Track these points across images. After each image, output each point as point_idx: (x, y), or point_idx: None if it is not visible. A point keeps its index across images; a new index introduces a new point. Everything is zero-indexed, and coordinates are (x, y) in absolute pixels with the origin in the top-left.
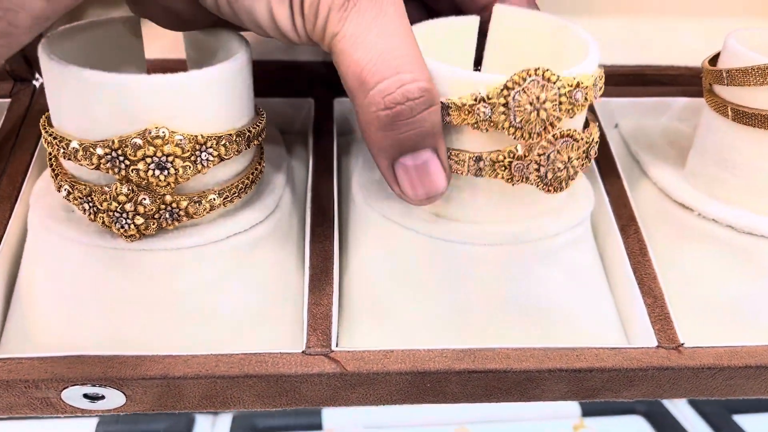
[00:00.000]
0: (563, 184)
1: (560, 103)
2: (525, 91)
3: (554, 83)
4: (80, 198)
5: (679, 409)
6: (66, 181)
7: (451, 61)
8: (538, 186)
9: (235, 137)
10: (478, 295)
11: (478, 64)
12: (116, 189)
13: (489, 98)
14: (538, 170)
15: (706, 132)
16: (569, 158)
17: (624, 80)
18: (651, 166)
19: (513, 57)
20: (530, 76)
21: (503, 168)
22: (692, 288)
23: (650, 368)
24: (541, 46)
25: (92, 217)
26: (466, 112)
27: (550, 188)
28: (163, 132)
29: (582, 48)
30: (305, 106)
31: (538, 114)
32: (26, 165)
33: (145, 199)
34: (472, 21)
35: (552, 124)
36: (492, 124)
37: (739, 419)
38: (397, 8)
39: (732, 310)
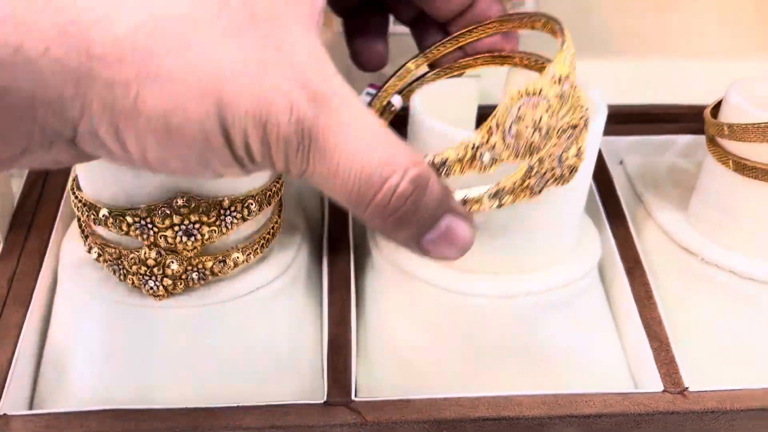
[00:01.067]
0: (573, 172)
1: (554, 106)
2: (521, 119)
3: (540, 93)
4: (110, 260)
5: None
6: (96, 243)
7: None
8: (558, 184)
9: (257, 197)
10: (491, 344)
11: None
12: (145, 253)
13: (484, 143)
14: (553, 170)
15: (708, 178)
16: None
17: (629, 119)
18: (655, 209)
19: None
20: (518, 101)
21: (523, 190)
22: (696, 332)
23: (656, 413)
24: None
25: (122, 278)
26: (468, 164)
27: (565, 181)
28: (189, 200)
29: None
30: None
31: (540, 132)
32: (53, 217)
33: (173, 263)
34: (472, 83)
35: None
36: (498, 161)
37: None
38: (351, 111)
39: (734, 353)
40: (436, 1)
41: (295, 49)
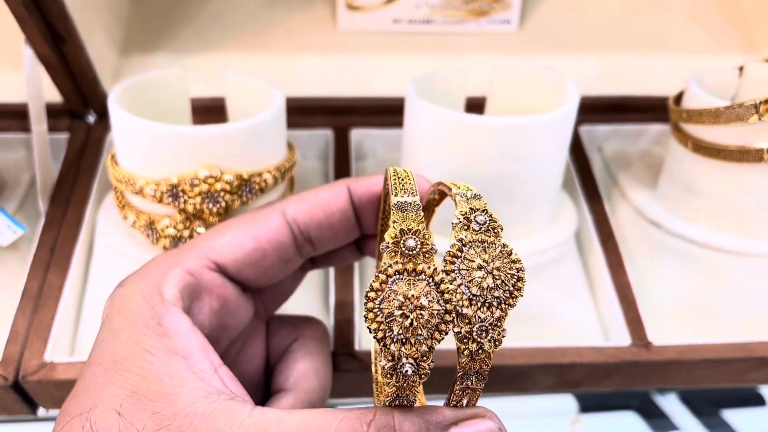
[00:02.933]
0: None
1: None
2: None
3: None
4: (144, 226)
5: (671, 404)
6: (132, 211)
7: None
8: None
9: (273, 172)
10: None
11: None
12: (175, 219)
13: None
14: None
15: (672, 160)
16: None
17: (606, 109)
18: (628, 188)
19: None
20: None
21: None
22: (660, 294)
23: (624, 363)
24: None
25: (155, 241)
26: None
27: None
28: (215, 172)
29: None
30: (324, 136)
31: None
32: (87, 193)
33: (200, 226)
34: (461, 73)
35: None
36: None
37: (727, 413)
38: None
39: (693, 313)
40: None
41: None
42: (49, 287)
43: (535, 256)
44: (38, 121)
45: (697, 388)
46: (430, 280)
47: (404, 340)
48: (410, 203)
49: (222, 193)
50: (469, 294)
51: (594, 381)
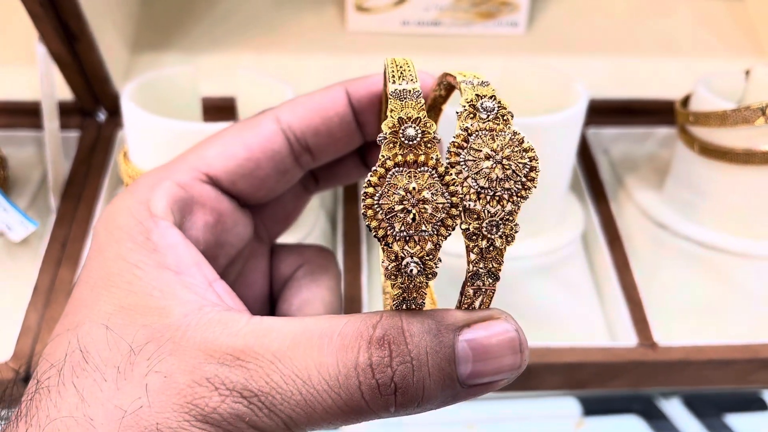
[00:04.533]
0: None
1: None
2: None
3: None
4: None
5: (674, 408)
6: None
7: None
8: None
9: None
10: None
11: None
12: None
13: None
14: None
15: (679, 162)
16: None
17: (613, 112)
18: (634, 190)
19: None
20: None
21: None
22: (666, 295)
23: (630, 363)
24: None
25: None
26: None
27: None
28: None
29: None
30: None
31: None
32: (98, 190)
33: None
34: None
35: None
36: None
37: (730, 417)
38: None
39: (699, 313)
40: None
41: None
42: (61, 282)
43: (542, 257)
44: (50, 118)
45: (701, 392)
46: (433, 171)
47: (407, 238)
48: (409, 90)
49: None
50: (476, 187)
51: (600, 381)
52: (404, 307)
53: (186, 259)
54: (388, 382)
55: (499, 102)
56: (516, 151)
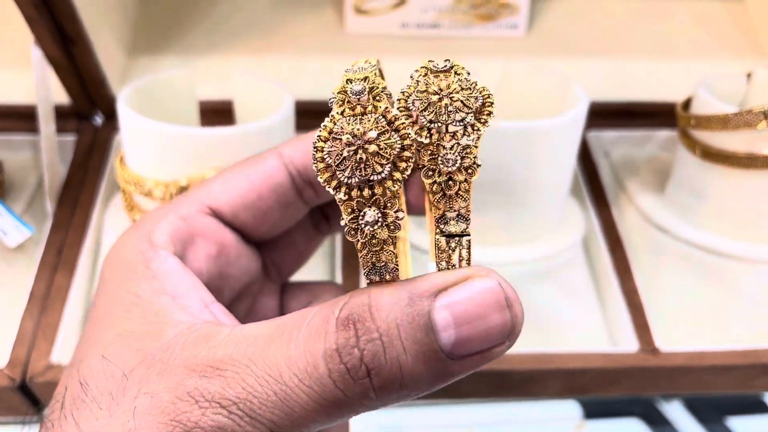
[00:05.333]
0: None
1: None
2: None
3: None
4: None
5: (675, 411)
6: (140, 213)
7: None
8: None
9: None
10: None
11: None
12: None
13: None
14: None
15: (680, 166)
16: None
17: (613, 114)
18: (635, 194)
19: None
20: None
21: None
22: (668, 300)
23: (631, 369)
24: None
25: None
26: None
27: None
28: None
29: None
30: None
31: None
32: (95, 194)
33: None
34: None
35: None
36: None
37: (731, 420)
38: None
39: (701, 319)
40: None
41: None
42: (57, 289)
43: (542, 262)
44: (46, 122)
45: (702, 395)
46: (381, 117)
47: (361, 186)
48: (363, 67)
49: None
50: (426, 122)
51: (601, 387)
52: (376, 277)
53: (183, 284)
54: (358, 364)
55: (454, 63)
56: (466, 88)
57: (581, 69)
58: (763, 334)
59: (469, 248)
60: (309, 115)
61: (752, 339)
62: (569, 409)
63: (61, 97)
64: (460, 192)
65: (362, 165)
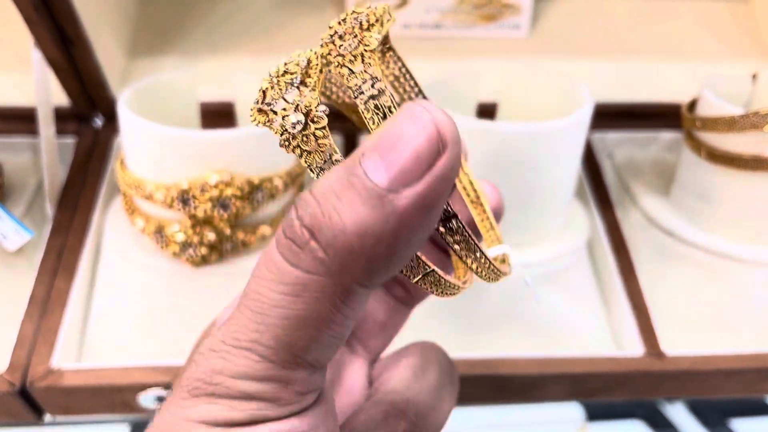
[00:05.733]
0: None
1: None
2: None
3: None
4: (153, 232)
5: (678, 413)
6: (140, 216)
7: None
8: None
9: (284, 178)
10: (489, 311)
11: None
12: (185, 224)
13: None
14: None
15: (685, 168)
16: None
17: (617, 116)
18: (640, 196)
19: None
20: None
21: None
22: (673, 303)
23: (637, 373)
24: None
25: (164, 247)
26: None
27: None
28: (226, 177)
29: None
30: (335, 139)
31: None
32: (95, 197)
33: (210, 233)
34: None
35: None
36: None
37: (735, 422)
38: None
39: (706, 322)
40: None
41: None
42: (57, 292)
43: (546, 264)
44: (46, 125)
45: (705, 397)
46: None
47: (279, 99)
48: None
49: (232, 199)
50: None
51: (606, 391)
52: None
53: None
54: (299, 230)
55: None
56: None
57: (584, 69)
58: None
59: (391, 102)
60: None
61: (758, 342)
62: (571, 411)
63: (61, 98)
64: (366, 60)
65: (277, 87)
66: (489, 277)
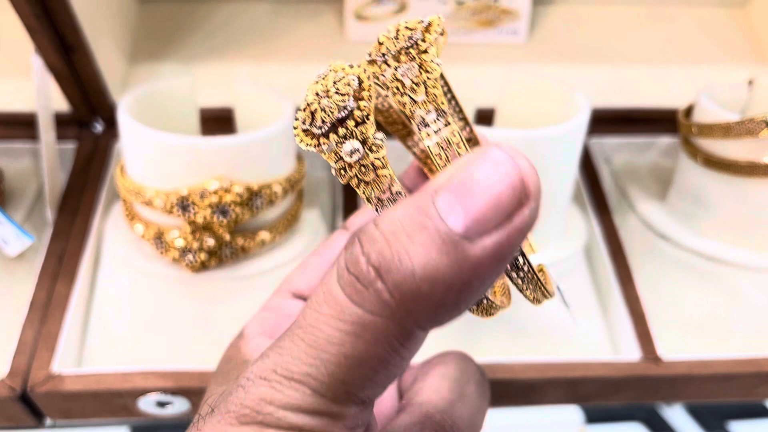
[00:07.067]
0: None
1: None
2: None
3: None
4: (153, 238)
5: (677, 415)
6: (140, 222)
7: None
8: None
9: (283, 184)
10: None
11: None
12: (184, 230)
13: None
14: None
15: (682, 174)
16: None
17: (614, 121)
18: (637, 201)
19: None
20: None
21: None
22: (670, 308)
23: (634, 377)
24: (543, 103)
25: (163, 252)
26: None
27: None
28: (226, 183)
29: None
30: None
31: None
32: (95, 203)
33: (209, 239)
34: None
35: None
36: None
37: (733, 425)
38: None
39: (703, 326)
40: None
41: None
42: (57, 297)
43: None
44: (47, 131)
45: (702, 402)
46: (333, 73)
47: (331, 126)
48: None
49: (232, 205)
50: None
51: (603, 395)
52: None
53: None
54: (365, 268)
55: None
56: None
57: (582, 75)
58: (766, 343)
59: (463, 141)
60: None
61: (755, 347)
62: (570, 414)
63: (62, 104)
64: (429, 90)
65: (328, 110)
66: (536, 302)
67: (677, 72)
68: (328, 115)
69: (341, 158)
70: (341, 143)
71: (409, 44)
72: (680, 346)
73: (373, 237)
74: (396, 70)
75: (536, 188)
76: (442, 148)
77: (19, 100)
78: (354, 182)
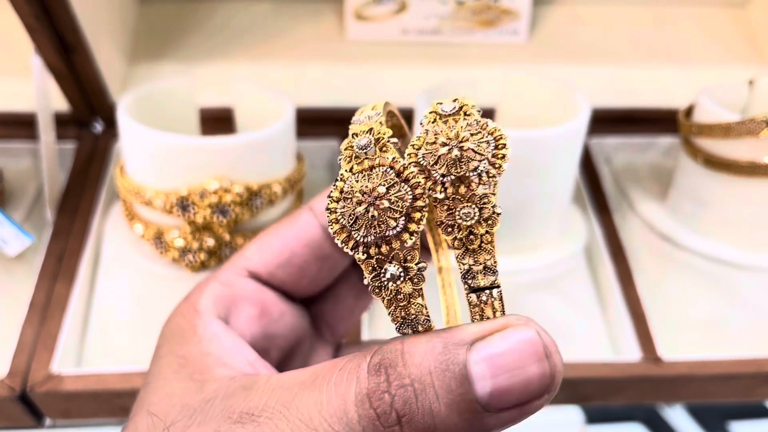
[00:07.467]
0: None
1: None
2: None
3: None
4: (153, 238)
5: (677, 415)
6: (140, 222)
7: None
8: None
9: (282, 184)
10: None
11: None
12: (184, 230)
13: None
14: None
15: (682, 174)
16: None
17: (614, 121)
18: (637, 202)
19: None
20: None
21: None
22: (671, 308)
23: (634, 378)
24: (543, 103)
25: (163, 252)
26: None
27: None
28: (225, 183)
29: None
30: (332, 146)
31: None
32: (95, 203)
33: (209, 239)
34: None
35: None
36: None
37: (734, 425)
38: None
39: (703, 327)
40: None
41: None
42: (57, 297)
43: (544, 270)
44: (46, 131)
45: (702, 402)
46: (388, 169)
47: (378, 242)
48: (368, 116)
49: (231, 205)
50: (438, 175)
51: (604, 396)
52: (409, 330)
53: (227, 344)
54: (388, 410)
55: (463, 102)
56: (476, 133)
57: (583, 75)
58: (766, 343)
59: (501, 299)
60: (310, 122)
61: (755, 347)
62: (571, 414)
63: (61, 104)
64: (483, 245)
65: (375, 222)
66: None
67: (677, 72)
68: (374, 227)
69: (379, 276)
70: (382, 260)
71: (473, 173)
72: (680, 346)
73: (400, 375)
74: (459, 212)
75: (558, 384)
76: (484, 305)
77: (19, 100)
78: (384, 302)
